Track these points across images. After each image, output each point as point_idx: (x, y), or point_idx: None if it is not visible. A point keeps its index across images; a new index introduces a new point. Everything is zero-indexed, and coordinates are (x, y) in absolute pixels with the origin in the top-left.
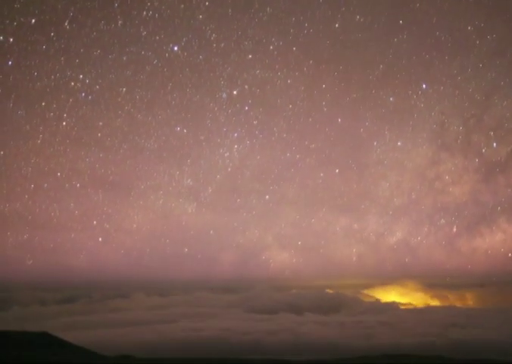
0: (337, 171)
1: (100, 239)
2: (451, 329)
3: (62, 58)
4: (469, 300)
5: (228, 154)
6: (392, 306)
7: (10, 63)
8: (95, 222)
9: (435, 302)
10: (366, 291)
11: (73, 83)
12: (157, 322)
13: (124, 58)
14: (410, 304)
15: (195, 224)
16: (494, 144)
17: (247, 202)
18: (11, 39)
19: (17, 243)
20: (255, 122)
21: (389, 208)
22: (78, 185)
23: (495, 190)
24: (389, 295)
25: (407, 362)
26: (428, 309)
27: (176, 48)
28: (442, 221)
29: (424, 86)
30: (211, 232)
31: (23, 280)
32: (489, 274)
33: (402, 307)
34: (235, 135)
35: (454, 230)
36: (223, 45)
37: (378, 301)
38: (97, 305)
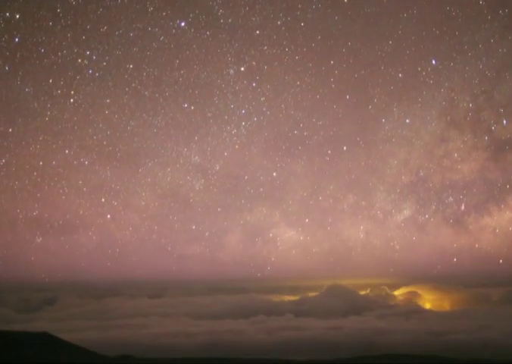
0: (345, 148)
1: (108, 216)
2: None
3: (69, 35)
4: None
5: (235, 131)
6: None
7: (16, 40)
8: (103, 199)
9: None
10: (379, 291)
11: (80, 60)
12: (156, 322)
13: (131, 35)
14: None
15: (203, 201)
16: (505, 121)
17: (254, 179)
18: (17, 16)
19: (27, 220)
20: (263, 99)
21: (397, 186)
22: (86, 162)
23: (504, 168)
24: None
25: (407, 362)
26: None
27: (183, 24)
28: (450, 198)
29: (434, 62)
30: (219, 209)
31: (31, 261)
32: (496, 254)
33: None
34: (243, 112)
35: (462, 208)
36: (230, 20)
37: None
38: (96, 305)
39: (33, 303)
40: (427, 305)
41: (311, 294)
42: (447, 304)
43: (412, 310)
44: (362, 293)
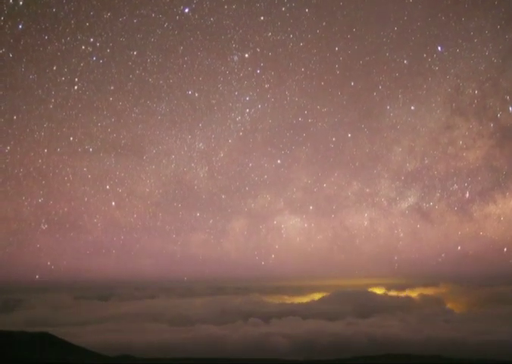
0: (349, 135)
1: (113, 203)
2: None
3: (72, 22)
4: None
5: (239, 118)
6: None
7: (20, 26)
8: (107, 186)
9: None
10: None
11: (83, 47)
12: (156, 323)
13: (135, 21)
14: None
15: (207, 188)
16: (510, 108)
17: (258, 166)
18: (21, 2)
19: (32, 207)
20: (267, 85)
21: (401, 173)
22: (91, 149)
23: (510, 155)
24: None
25: (407, 362)
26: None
27: (186, 10)
28: (455, 186)
29: (439, 48)
30: (223, 196)
31: (37, 248)
32: (500, 242)
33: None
34: (247, 99)
35: (467, 195)
36: (234, 6)
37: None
38: (95, 306)
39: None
40: (449, 307)
41: (319, 296)
42: (467, 306)
43: (434, 313)
44: (375, 293)
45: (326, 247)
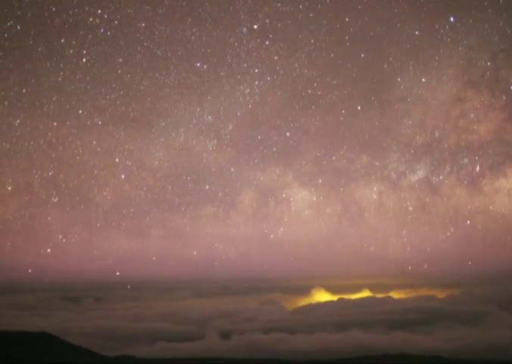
0: (359, 107)
1: (122, 176)
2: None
3: None
4: None
5: (248, 90)
6: None
7: None
8: (117, 159)
9: None
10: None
11: (91, 19)
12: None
13: None
14: None
15: (216, 161)
16: None
17: (267, 138)
18: None
19: (43, 181)
20: (276, 57)
21: (411, 147)
22: (100, 122)
23: None
24: None
25: (407, 362)
26: None
27: None
28: (465, 160)
29: (452, 19)
30: (232, 169)
31: (47, 221)
32: (510, 216)
33: None
34: (256, 71)
35: (477, 169)
36: None
37: None
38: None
39: None
40: None
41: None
42: None
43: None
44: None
45: (334, 221)
